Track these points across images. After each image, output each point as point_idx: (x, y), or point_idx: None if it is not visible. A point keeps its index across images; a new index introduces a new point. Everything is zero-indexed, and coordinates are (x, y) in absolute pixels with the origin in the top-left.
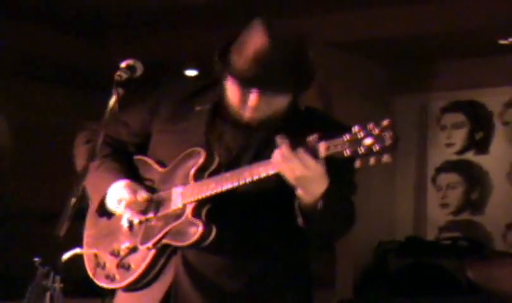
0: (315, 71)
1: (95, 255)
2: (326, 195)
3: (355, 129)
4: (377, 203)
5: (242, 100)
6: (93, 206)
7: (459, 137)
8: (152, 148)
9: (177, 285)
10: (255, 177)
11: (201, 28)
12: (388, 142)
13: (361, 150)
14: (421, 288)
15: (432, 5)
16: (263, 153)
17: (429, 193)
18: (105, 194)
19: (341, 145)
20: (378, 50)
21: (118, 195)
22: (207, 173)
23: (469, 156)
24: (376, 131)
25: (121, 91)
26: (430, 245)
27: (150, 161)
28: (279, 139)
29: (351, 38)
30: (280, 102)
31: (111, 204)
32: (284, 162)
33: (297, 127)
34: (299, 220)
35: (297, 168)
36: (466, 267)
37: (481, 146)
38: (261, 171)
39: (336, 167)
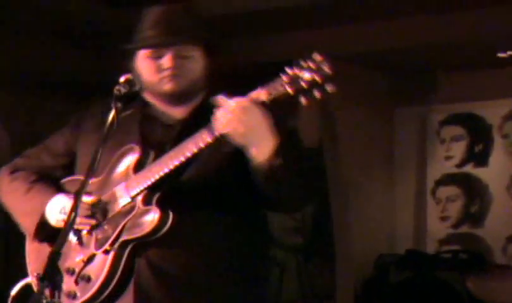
0: (214, 31)
1: None
2: (280, 150)
3: (289, 69)
4: (377, 216)
5: (158, 70)
6: (30, 233)
7: (459, 150)
8: (80, 164)
9: (140, 286)
10: (201, 145)
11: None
12: (328, 71)
13: (304, 85)
14: (422, 300)
15: (432, 17)
16: None
17: (429, 206)
18: (44, 212)
19: (281, 86)
20: (379, 62)
21: (60, 206)
22: (145, 166)
23: (469, 169)
24: (312, 65)
25: (119, 105)
26: (430, 258)
27: (80, 177)
28: (219, 98)
29: (352, 50)
30: (194, 65)
31: (53, 218)
32: (229, 119)
33: (206, 118)
34: (258, 179)
35: (242, 120)
36: (466, 280)
37: (481, 159)
38: (205, 137)
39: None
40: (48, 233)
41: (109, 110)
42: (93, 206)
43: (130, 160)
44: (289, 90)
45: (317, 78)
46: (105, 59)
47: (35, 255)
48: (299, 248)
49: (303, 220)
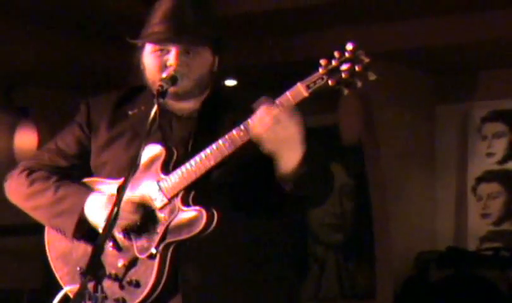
0: (223, 29)
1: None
2: (306, 159)
3: (324, 61)
4: (418, 213)
5: (162, 67)
6: (69, 232)
7: (500, 146)
8: (97, 165)
9: (188, 286)
10: (238, 144)
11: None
12: (366, 59)
13: (344, 75)
14: (463, 299)
15: (474, 15)
16: (216, 137)
17: (470, 203)
18: (82, 210)
19: (320, 79)
20: (421, 60)
21: (99, 203)
22: (171, 165)
23: (510, 165)
24: (348, 55)
25: (162, 101)
26: (471, 255)
27: (101, 179)
28: (263, 99)
29: (393, 48)
30: (199, 62)
31: (94, 215)
32: (266, 125)
33: (220, 108)
34: (286, 186)
35: (277, 130)
36: (508, 277)
37: None
38: (242, 136)
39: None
40: (86, 232)
41: (114, 109)
42: (138, 206)
43: (155, 159)
44: (330, 82)
45: (356, 67)
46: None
47: (63, 264)
48: (339, 245)
49: (343, 217)
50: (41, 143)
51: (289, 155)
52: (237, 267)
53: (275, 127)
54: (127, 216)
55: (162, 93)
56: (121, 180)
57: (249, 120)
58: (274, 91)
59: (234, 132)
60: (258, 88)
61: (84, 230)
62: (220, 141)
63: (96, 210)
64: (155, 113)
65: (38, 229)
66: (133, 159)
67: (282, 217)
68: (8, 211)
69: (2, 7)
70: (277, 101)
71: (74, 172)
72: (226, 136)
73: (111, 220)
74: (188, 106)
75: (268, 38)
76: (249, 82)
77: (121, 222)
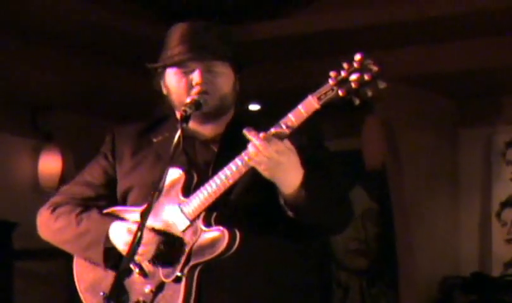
0: (240, 48)
1: None
2: (306, 182)
3: (333, 73)
4: (441, 238)
5: (187, 87)
6: (100, 263)
7: None
8: (123, 191)
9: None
10: (237, 176)
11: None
12: (375, 68)
13: (354, 85)
14: None
15: (497, 39)
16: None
17: (494, 228)
18: (106, 239)
19: (331, 90)
20: (444, 84)
21: (123, 229)
22: (191, 188)
23: None
24: (356, 66)
25: (185, 126)
26: (496, 281)
27: (124, 208)
28: (246, 132)
29: (416, 72)
30: (223, 80)
31: (120, 242)
32: (258, 157)
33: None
34: (289, 213)
35: (267, 161)
36: None
37: None
38: (241, 168)
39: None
40: (117, 258)
41: (138, 138)
42: (161, 233)
43: (176, 183)
44: (340, 93)
45: (366, 76)
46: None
47: (90, 296)
48: (363, 270)
49: (366, 243)
50: (65, 168)
51: (285, 182)
52: (260, 292)
53: (266, 158)
54: (151, 246)
55: (186, 118)
56: (144, 206)
57: (243, 155)
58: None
59: (235, 159)
60: (282, 111)
61: (115, 258)
62: (227, 166)
63: (120, 237)
64: (179, 137)
65: (62, 253)
66: (155, 184)
67: (296, 243)
68: (33, 234)
69: (29, 32)
70: (290, 115)
71: (102, 202)
72: (232, 161)
73: (134, 245)
74: (211, 129)
75: (291, 62)
76: (273, 106)
77: (146, 253)
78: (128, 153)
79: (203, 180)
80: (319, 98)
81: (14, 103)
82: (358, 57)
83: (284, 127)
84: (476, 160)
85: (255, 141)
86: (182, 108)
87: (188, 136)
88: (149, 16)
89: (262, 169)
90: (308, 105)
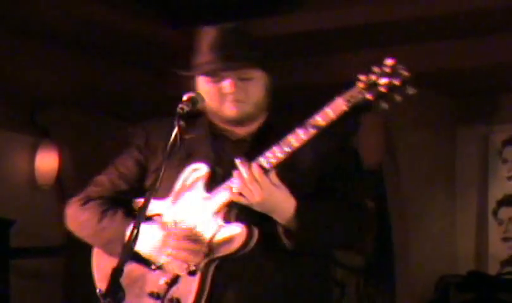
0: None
1: None
2: (299, 214)
3: (363, 76)
4: (438, 237)
5: (220, 94)
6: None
7: None
8: (150, 184)
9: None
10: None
11: None
12: (405, 73)
13: (383, 90)
14: None
15: (494, 37)
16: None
17: (490, 227)
18: (124, 238)
19: (359, 93)
20: (441, 83)
21: (144, 232)
22: (214, 184)
23: None
24: (387, 70)
25: (182, 124)
26: (492, 279)
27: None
28: (237, 162)
29: (414, 71)
30: (256, 86)
31: (145, 247)
32: (245, 191)
33: (273, 133)
34: (286, 243)
35: (254, 192)
36: None
37: None
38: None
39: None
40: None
41: (170, 133)
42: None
43: (200, 178)
44: (368, 96)
45: (395, 82)
46: (168, 79)
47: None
48: (360, 268)
49: (363, 241)
50: (62, 165)
51: (277, 212)
52: (272, 294)
53: (252, 193)
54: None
55: (183, 116)
56: (168, 199)
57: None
58: (309, 111)
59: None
60: (291, 108)
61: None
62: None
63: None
64: (176, 135)
65: (59, 251)
66: (152, 184)
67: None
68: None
69: (28, 31)
70: (317, 117)
71: (133, 195)
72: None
73: (130, 243)
74: (244, 129)
75: (291, 61)
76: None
77: (177, 253)
78: (161, 147)
79: (229, 178)
80: (347, 100)
81: (11, 99)
82: (389, 61)
83: (310, 129)
84: (473, 158)
85: (240, 170)
86: (180, 105)
87: (220, 134)
88: (146, 14)
89: (248, 202)
90: (336, 107)
